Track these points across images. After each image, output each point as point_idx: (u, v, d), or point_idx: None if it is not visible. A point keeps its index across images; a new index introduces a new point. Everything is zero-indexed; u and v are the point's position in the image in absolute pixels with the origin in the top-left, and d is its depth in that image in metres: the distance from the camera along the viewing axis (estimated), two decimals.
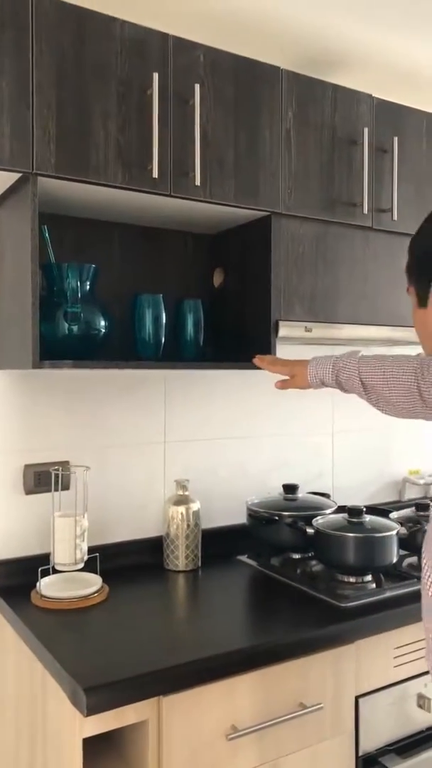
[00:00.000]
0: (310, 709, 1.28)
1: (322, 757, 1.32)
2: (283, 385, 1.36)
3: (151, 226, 1.76)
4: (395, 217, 1.78)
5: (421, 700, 1.46)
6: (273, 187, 1.59)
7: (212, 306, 1.82)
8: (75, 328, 1.39)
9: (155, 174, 1.41)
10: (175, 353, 1.68)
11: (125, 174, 1.40)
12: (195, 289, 1.83)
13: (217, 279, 1.81)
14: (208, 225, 1.74)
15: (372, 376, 1.20)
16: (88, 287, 1.45)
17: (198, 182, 1.46)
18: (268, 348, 1.62)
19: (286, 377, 1.35)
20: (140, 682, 1.11)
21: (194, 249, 1.83)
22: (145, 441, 1.78)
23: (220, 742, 1.19)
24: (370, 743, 1.39)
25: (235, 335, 1.74)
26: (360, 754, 1.37)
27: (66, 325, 1.39)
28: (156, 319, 1.54)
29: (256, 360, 1.42)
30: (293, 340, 1.78)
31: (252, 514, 1.71)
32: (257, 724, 1.22)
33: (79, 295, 1.40)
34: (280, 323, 1.62)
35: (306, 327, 1.66)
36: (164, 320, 1.56)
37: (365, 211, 1.72)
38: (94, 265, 1.46)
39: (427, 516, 1.70)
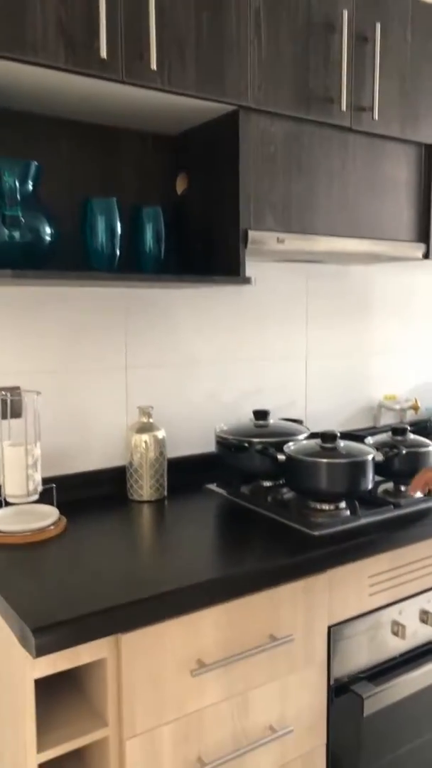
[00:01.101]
0: (280, 641, 1.21)
1: (293, 687, 1.27)
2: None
3: (104, 124, 1.57)
4: (376, 117, 1.61)
5: (396, 627, 1.41)
6: (240, 76, 1.41)
7: (175, 215, 1.65)
8: (16, 234, 1.23)
9: (103, 54, 1.22)
10: (133, 267, 1.52)
11: (68, 54, 1.20)
12: (155, 195, 1.66)
13: (180, 185, 1.64)
14: (169, 122, 1.56)
15: None
16: (30, 188, 1.28)
17: (154, 66, 1.28)
18: (237, 262, 1.48)
19: None
20: (94, 621, 1.02)
21: (154, 150, 1.65)
22: (104, 365, 1.65)
23: (185, 677, 1.12)
24: (342, 671, 1.34)
25: (200, 247, 1.59)
26: (331, 682, 1.32)
27: (5, 232, 1.22)
28: (110, 228, 1.38)
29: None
30: (265, 255, 1.64)
31: (221, 442, 1.61)
32: (224, 659, 1.15)
33: (19, 196, 1.23)
34: (250, 233, 1.47)
35: (278, 238, 1.52)
36: (119, 229, 1.40)
37: (343, 108, 1.55)
38: (35, 162, 1.28)
39: (404, 440, 1.61)
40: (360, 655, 1.37)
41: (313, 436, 1.60)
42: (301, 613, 1.26)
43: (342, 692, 1.34)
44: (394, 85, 1.66)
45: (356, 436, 1.82)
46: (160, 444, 1.58)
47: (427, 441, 1.62)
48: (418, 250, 1.77)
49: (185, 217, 1.64)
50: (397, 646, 1.42)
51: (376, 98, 1.60)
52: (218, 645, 1.16)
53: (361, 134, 1.63)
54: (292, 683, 1.26)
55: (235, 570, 1.18)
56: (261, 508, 1.49)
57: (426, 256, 1.77)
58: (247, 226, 1.47)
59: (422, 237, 1.77)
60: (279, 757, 1.26)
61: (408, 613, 1.43)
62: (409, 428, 1.65)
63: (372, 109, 1.61)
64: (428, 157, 1.76)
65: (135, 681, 1.07)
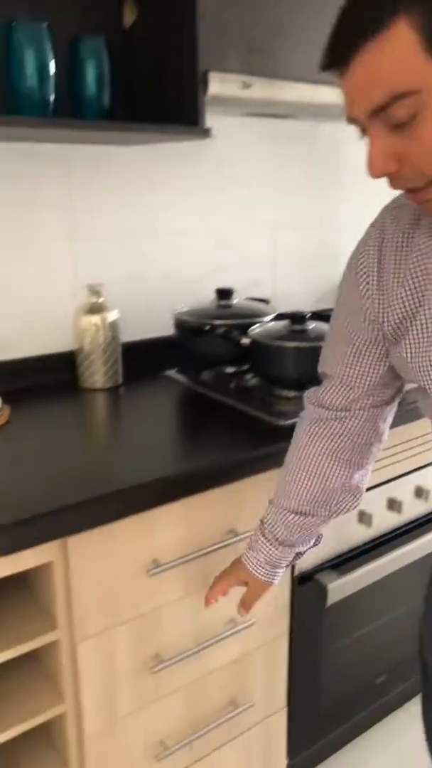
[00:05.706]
0: (241, 536, 1.14)
1: None
2: (245, 606, 1.09)
3: None
4: None
5: (362, 516, 1.36)
6: None
7: (122, 53, 1.38)
8: None
9: None
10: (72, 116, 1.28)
11: None
12: (98, 28, 1.37)
13: (129, 15, 1.36)
14: None
15: (296, 495, 1.00)
16: None
17: None
18: (194, 110, 1.25)
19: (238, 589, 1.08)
20: (38, 524, 0.91)
21: None
22: (44, 238, 1.45)
23: (140, 578, 1.05)
24: (307, 562, 1.29)
25: (151, 94, 1.35)
26: (295, 573, 1.28)
27: None
28: (41, 64, 1.13)
29: (209, 598, 1.08)
30: (226, 104, 1.40)
31: (180, 325, 1.45)
32: (182, 556, 1.07)
33: None
34: (211, 75, 1.23)
35: (244, 83, 1.28)
36: (53, 66, 1.15)
37: None
38: None
39: None
40: (325, 544, 1.31)
41: (280, 317, 1.46)
42: (264, 505, 1.18)
43: (306, 581, 1.30)
44: None
45: (328, 316, 1.68)
46: (113, 326, 1.42)
47: None
48: None
49: (134, 55, 1.37)
50: (363, 536, 1.38)
51: None
52: (176, 543, 1.08)
53: None
54: None
55: (192, 465, 1.07)
56: (223, 396, 1.38)
57: None
58: (208, 67, 1.23)
59: None
60: (240, 647, 1.23)
61: (375, 501, 1.37)
62: None
63: None
64: None
65: (85, 584, 0.99)
